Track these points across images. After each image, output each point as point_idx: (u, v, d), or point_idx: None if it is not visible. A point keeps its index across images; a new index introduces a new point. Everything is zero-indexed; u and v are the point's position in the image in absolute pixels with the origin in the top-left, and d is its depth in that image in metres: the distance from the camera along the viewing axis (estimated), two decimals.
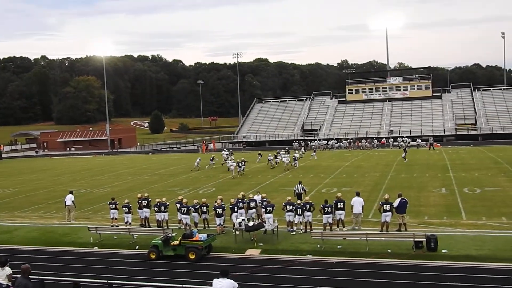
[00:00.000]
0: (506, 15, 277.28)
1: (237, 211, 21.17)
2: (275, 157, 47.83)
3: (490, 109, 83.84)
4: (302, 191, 25.52)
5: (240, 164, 41.81)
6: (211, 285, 11.34)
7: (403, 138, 69.14)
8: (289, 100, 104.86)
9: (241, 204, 21.57)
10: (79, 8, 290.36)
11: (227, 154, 52.33)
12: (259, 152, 55.01)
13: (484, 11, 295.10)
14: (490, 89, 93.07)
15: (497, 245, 17.39)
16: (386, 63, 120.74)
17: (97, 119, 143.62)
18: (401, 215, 19.91)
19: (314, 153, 54.83)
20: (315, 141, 72.66)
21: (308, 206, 20.29)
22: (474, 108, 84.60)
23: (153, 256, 17.85)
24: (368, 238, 17.88)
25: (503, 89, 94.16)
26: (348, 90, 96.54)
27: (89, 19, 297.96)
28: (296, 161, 45.28)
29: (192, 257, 17.39)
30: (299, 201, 21.19)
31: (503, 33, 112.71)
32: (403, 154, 47.26)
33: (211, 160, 49.55)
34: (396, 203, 19.91)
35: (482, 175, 34.80)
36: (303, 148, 63.05)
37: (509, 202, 24.95)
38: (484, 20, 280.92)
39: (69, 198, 25.39)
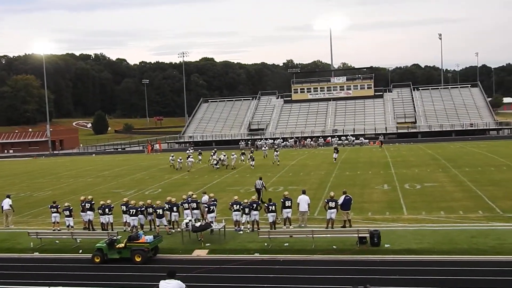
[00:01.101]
0: (443, 17, 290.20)
1: (176, 211, 21.30)
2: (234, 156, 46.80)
3: (428, 107, 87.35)
4: (262, 187, 26.67)
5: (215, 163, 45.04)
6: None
7: (348, 136, 70.86)
8: (235, 100, 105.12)
9: (186, 204, 21.49)
10: (17, 4, 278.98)
11: (191, 152, 52.28)
12: (214, 149, 54.41)
13: (422, 13, 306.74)
14: (429, 89, 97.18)
15: (436, 238, 18.10)
16: (330, 63, 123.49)
17: (37, 119, 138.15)
18: (346, 212, 20.40)
19: (277, 153, 50.48)
20: (262, 140, 73.10)
21: (255, 205, 20.44)
22: (414, 107, 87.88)
23: (97, 260, 17.40)
24: (314, 235, 18.19)
25: (441, 88, 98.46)
26: (294, 89, 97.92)
27: (28, 16, 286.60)
28: (252, 161, 44.36)
29: (138, 259, 17.09)
30: (246, 200, 21.27)
31: (440, 35, 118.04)
32: (335, 155, 45.98)
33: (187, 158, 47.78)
34: (340, 200, 20.37)
35: (422, 172, 36.15)
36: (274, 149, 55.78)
37: (447, 197, 26.05)
38: (423, 23, 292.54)
39: (7, 203, 24.51)
